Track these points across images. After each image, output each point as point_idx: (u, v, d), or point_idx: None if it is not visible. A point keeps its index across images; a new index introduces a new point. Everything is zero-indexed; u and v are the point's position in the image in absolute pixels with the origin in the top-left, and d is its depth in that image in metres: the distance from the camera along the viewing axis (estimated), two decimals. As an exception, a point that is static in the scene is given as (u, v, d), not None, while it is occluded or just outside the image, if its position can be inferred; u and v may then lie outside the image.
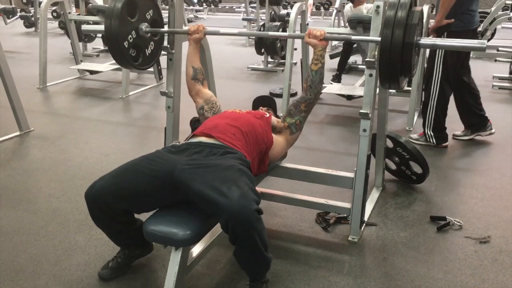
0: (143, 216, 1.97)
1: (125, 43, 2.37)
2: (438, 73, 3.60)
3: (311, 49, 5.27)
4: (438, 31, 3.44)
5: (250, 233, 1.74)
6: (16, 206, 2.81)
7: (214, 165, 1.90)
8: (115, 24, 2.30)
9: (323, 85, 2.52)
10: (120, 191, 1.90)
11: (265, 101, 2.75)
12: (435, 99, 3.69)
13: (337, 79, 5.74)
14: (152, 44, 2.54)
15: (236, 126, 2.20)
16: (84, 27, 2.83)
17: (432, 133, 3.77)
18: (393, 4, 1.99)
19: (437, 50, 3.52)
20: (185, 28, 2.56)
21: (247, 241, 1.77)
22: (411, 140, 3.84)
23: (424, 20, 4.15)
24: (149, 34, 2.49)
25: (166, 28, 2.58)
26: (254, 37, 7.05)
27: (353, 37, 2.23)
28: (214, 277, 2.19)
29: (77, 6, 7.42)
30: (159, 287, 2.06)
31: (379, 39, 2.04)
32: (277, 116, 2.66)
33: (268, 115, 2.48)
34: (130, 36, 2.40)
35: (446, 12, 3.36)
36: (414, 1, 2.06)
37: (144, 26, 2.45)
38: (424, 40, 2.06)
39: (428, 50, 4.24)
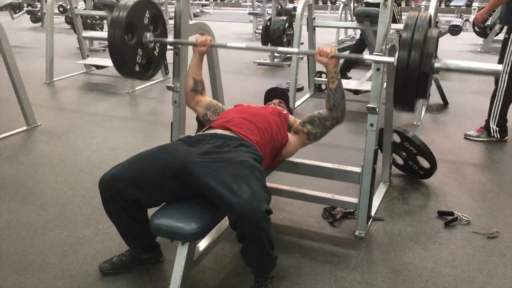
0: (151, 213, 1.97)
1: (136, 68, 2.31)
2: (508, 66, 3.53)
3: (317, 43, 5.23)
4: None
5: (258, 233, 1.75)
6: (23, 200, 2.83)
7: (227, 160, 1.90)
8: (122, 57, 2.23)
9: None
10: (132, 179, 1.89)
11: (278, 94, 2.73)
12: (502, 93, 3.62)
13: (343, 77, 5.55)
14: (158, 44, 2.47)
15: (252, 122, 2.20)
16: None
17: (496, 128, 3.73)
18: (410, 25, 1.94)
19: (510, 42, 3.48)
20: (191, 39, 2.48)
21: (254, 240, 1.78)
22: (471, 138, 3.81)
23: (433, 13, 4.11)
24: (152, 44, 2.40)
25: (170, 38, 2.49)
26: (260, 32, 7.02)
27: (365, 57, 2.14)
28: (220, 271, 2.19)
29: None
30: (166, 281, 2.07)
31: (393, 59, 2.00)
32: (289, 109, 2.65)
33: (285, 111, 2.47)
34: (138, 56, 2.31)
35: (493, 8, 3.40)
36: (430, 22, 2.01)
37: (148, 36, 2.34)
38: (438, 64, 1.99)
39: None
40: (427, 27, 1.94)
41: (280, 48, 2.31)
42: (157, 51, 2.46)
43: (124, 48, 2.23)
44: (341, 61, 5.68)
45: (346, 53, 2.28)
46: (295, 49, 2.39)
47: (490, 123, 3.74)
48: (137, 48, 2.31)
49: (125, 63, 2.27)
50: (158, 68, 2.51)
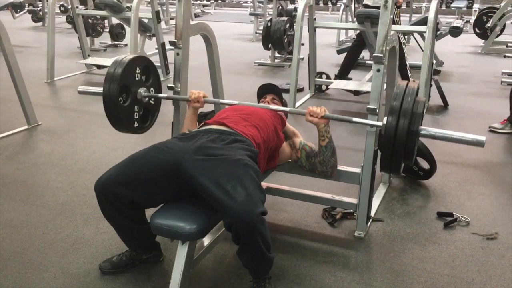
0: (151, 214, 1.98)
1: (135, 124, 2.37)
2: None
3: (318, 44, 5.23)
4: None
5: (253, 235, 1.75)
6: (24, 199, 2.83)
7: (221, 158, 1.89)
8: (119, 119, 2.31)
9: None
10: (128, 180, 1.89)
11: (271, 89, 2.69)
12: None
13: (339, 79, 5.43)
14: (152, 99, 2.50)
15: (248, 120, 2.20)
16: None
17: None
18: (398, 95, 2.01)
19: None
20: (184, 96, 2.52)
21: (250, 242, 1.78)
22: (496, 130, 3.96)
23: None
24: (146, 99, 2.42)
25: (164, 94, 2.54)
26: (261, 32, 7.02)
27: (354, 119, 2.18)
28: (220, 271, 2.20)
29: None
30: (166, 280, 2.06)
31: (380, 123, 2.07)
32: (283, 103, 2.64)
33: (284, 117, 2.49)
34: (136, 113, 2.36)
35: None
36: (417, 91, 2.07)
37: (141, 92, 2.37)
38: (424, 131, 2.04)
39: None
40: (414, 96, 2.01)
41: (271, 106, 2.39)
42: (153, 101, 2.49)
43: (120, 111, 2.27)
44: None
45: (335, 115, 2.29)
46: (286, 108, 2.43)
47: None
48: (133, 106, 2.35)
49: (123, 124, 2.33)
50: (155, 117, 2.55)
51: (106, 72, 2.29)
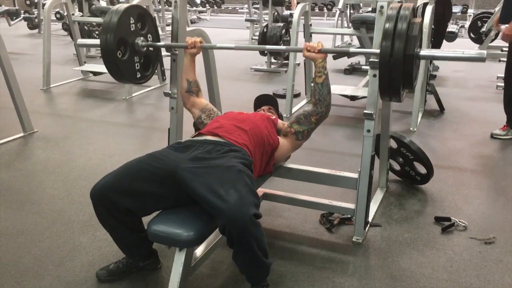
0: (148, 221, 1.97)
1: (137, 75, 2.37)
2: None
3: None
4: None
5: (246, 238, 1.75)
6: (20, 207, 2.82)
7: (215, 166, 1.90)
8: (120, 74, 2.33)
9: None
10: (123, 188, 1.89)
11: (267, 100, 2.74)
12: None
13: None
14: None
15: (241, 128, 2.21)
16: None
17: None
18: (391, 16, 1.94)
19: None
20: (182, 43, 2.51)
21: (244, 245, 1.77)
22: (498, 136, 3.97)
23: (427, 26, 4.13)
24: (145, 48, 2.42)
25: (162, 42, 2.54)
26: (257, 38, 7.04)
27: (351, 50, 2.16)
28: (218, 278, 2.19)
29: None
30: (163, 288, 2.06)
31: (378, 51, 2.01)
32: (279, 115, 2.66)
33: (274, 117, 2.48)
34: (136, 64, 2.35)
35: None
36: (413, 13, 2.01)
37: (139, 42, 2.37)
38: (424, 52, 1.99)
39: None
40: (410, 16, 1.93)
41: (268, 46, 2.38)
42: (152, 47, 2.50)
43: (120, 65, 2.27)
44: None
45: (332, 48, 2.32)
46: (282, 47, 2.42)
47: None
48: (133, 57, 2.33)
49: (125, 77, 2.33)
50: (157, 63, 2.55)
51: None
